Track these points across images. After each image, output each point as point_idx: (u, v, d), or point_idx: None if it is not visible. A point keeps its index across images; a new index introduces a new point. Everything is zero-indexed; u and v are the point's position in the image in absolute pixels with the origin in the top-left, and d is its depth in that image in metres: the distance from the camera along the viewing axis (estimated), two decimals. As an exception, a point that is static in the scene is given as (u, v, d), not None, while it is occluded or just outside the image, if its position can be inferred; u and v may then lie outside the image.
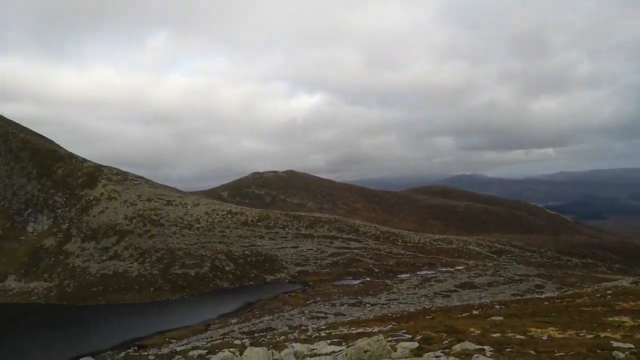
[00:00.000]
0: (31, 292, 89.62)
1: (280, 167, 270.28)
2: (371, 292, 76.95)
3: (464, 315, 38.67)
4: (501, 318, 28.82)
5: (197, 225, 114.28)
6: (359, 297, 73.11)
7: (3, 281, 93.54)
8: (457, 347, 16.36)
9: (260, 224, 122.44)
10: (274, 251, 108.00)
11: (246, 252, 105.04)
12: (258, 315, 67.02)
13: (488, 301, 53.92)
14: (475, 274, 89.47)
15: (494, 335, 21.17)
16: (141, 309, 79.14)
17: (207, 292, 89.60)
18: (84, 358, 43.53)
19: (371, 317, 52.10)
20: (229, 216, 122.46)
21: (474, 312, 40.76)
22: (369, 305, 65.79)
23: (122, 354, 47.49)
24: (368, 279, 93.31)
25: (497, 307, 43.78)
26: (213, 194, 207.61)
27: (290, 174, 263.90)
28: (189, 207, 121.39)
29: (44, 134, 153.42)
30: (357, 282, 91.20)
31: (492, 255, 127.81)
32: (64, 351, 54.45)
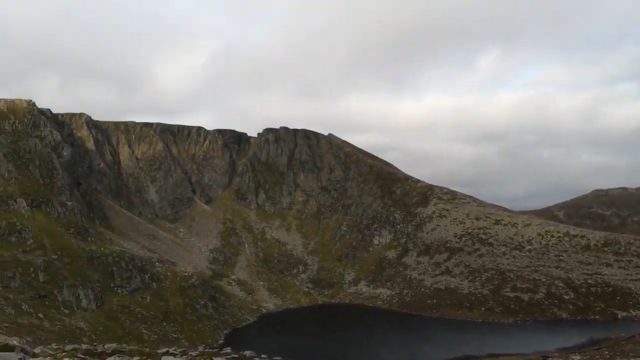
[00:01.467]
0: (377, 297, 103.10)
1: (632, 183, 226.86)
2: None
3: None
4: None
5: (529, 247, 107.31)
6: None
7: (357, 285, 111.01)
8: None
9: (606, 249, 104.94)
10: (627, 283, 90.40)
11: (589, 281, 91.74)
12: (607, 357, 56.90)
13: None
14: None
15: None
16: (472, 327, 79.48)
17: (542, 320, 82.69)
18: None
19: None
20: (567, 239, 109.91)
21: None
22: None
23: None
24: None
25: None
26: (546, 213, 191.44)
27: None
28: (519, 227, 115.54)
29: (385, 159, 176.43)
30: None
31: None
32: (403, 354, 59.83)
